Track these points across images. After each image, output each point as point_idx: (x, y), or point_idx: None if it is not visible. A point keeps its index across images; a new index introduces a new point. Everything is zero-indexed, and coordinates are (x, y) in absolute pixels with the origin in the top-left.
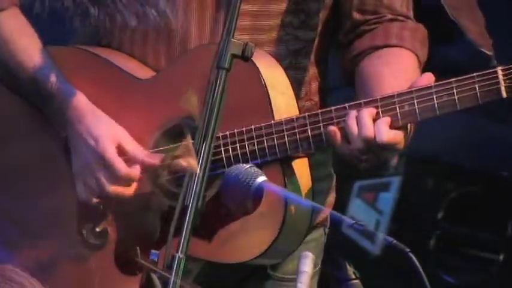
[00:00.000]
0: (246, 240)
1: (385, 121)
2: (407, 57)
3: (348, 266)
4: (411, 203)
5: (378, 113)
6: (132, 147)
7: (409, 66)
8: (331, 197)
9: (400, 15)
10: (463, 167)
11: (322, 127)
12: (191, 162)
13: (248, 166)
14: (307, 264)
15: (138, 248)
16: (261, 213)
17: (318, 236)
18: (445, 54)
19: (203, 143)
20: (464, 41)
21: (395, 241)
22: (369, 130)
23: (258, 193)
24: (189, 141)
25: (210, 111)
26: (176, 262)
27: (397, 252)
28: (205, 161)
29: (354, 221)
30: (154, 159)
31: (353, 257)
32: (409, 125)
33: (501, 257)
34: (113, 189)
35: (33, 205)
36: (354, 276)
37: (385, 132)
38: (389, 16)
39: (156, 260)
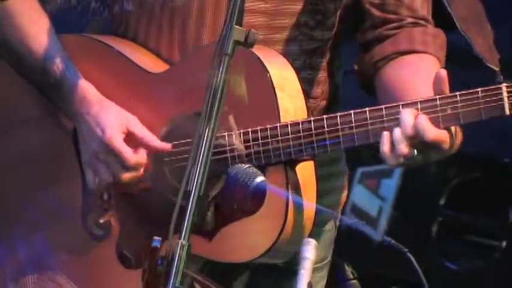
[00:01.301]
0: (248, 241)
1: (425, 118)
2: (434, 64)
3: (346, 266)
4: (413, 190)
5: (419, 114)
6: (141, 131)
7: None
8: (344, 195)
9: (421, 18)
10: (465, 154)
11: (327, 132)
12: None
13: (247, 166)
14: (310, 251)
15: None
16: (263, 214)
17: (330, 227)
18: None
19: (206, 129)
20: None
21: (393, 241)
22: (413, 129)
23: (257, 193)
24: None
25: (213, 97)
26: (179, 249)
27: (395, 251)
28: (208, 147)
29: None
30: (163, 145)
31: (351, 257)
32: (453, 128)
33: (503, 244)
34: (125, 176)
35: (38, 194)
36: (352, 276)
37: (432, 129)
38: (410, 20)
39: (158, 246)
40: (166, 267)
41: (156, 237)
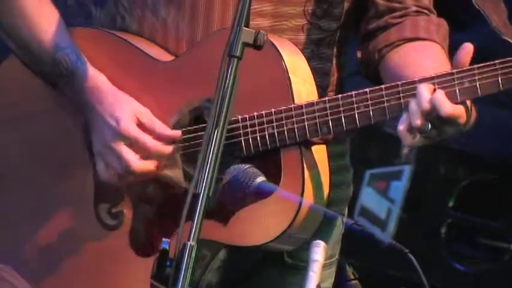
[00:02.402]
0: (261, 224)
1: (442, 93)
2: (440, 50)
3: (347, 267)
4: (422, 192)
5: (435, 90)
6: (152, 122)
7: (444, 58)
8: (350, 191)
9: (424, 8)
10: (474, 155)
11: (342, 111)
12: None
13: (247, 166)
14: (319, 253)
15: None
16: (278, 197)
17: (338, 224)
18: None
19: (215, 131)
20: (475, 30)
21: (394, 242)
22: (429, 104)
23: (257, 193)
24: None
25: (222, 99)
26: (187, 250)
27: (396, 253)
28: (217, 149)
29: (353, 221)
30: (174, 132)
31: (352, 257)
32: (469, 103)
33: None
34: (138, 167)
35: (50, 185)
36: (353, 277)
37: (448, 104)
38: (415, 8)
39: (167, 247)
40: (175, 268)
41: (164, 239)
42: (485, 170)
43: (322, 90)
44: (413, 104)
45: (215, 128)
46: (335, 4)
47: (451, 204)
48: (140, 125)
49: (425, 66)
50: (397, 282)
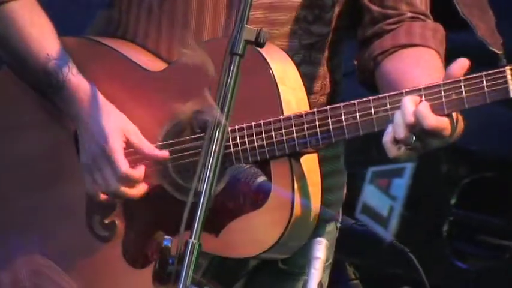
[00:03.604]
0: (255, 235)
1: (426, 105)
2: (435, 56)
3: (348, 267)
4: (424, 189)
5: (421, 101)
6: (139, 142)
7: (439, 64)
8: (344, 193)
9: (420, 13)
10: (476, 153)
11: (330, 123)
12: (215, 114)
13: (248, 166)
14: (321, 250)
15: None
16: (269, 209)
17: (331, 229)
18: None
19: (217, 130)
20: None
21: (395, 241)
22: (413, 116)
23: (258, 193)
24: (208, 96)
25: (224, 97)
26: (190, 248)
27: (397, 252)
28: (218, 148)
29: (354, 221)
30: (162, 153)
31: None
32: (455, 115)
33: None
34: (117, 187)
35: (42, 196)
36: (353, 277)
37: (431, 116)
38: (410, 14)
39: (169, 245)
40: (177, 266)
41: (167, 237)
42: (487, 167)
43: (314, 94)
44: (398, 116)
45: (217, 127)
46: (326, 9)
47: (453, 201)
48: (128, 144)
49: (417, 74)
50: (398, 281)
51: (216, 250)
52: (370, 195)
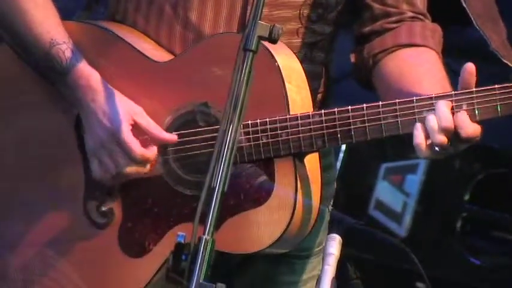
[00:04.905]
0: (256, 232)
1: (465, 114)
2: (435, 57)
3: (349, 266)
4: (438, 185)
5: (453, 107)
6: (147, 123)
7: (439, 64)
8: (334, 187)
9: (419, 13)
10: (490, 149)
11: (338, 126)
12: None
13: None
14: (334, 247)
15: None
16: (271, 206)
17: (325, 214)
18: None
19: (230, 126)
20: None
21: (396, 240)
22: (450, 122)
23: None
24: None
25: (237, 93)
26: (203, 243)
27: (398, 251)
28: (231, 144)
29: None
30: (170, 136)
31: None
32: None
33: None
34: (129, 169)
35: (38, 180)
36: (354, 276)
37: (470, 125)
38: (410, 14)
39: (183, 241)
40: (190, 262)
41: (180, 233)
42: (500, 163)
43: (313, 92)
44: (432, 120)
45: (230, 123)
46: (330, 8)
47: (466, 197)
48: (135, 126)
49: (420, 74)
50: (398, 280)
51: (217, 246)
52: (384, 191)
